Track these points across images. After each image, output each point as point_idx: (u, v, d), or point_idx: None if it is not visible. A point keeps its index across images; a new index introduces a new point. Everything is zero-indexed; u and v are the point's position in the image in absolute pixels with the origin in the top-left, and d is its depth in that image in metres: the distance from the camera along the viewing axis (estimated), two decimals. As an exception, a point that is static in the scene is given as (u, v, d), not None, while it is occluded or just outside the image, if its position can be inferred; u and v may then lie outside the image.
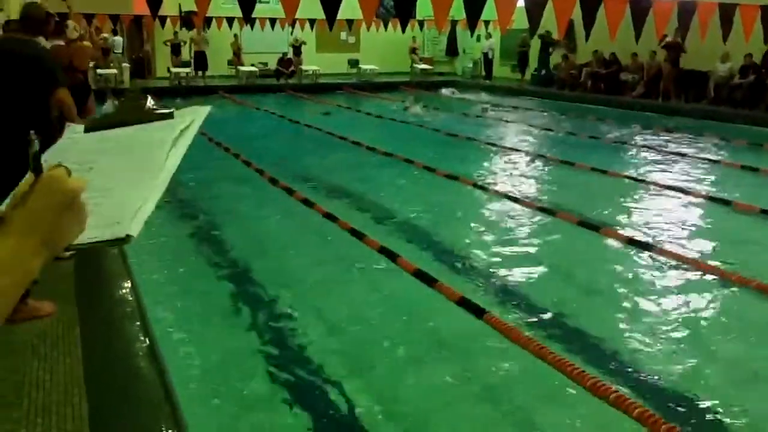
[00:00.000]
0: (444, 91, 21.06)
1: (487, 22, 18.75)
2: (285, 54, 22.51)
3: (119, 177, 0.99)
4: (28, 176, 0.87)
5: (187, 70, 20.80)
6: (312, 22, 18.53)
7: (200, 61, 20.87)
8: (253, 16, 15.48)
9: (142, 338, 3.30)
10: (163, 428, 2.57)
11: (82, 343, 3.28)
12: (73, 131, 1.25)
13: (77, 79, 6.81)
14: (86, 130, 1.24)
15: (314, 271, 5.26)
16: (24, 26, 4.93)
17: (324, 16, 9.42)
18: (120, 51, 19.76)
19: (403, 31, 11.81)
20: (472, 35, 21.44)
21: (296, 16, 13.99)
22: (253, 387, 3.47)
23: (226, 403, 3.33)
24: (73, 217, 0.85)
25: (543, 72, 20.43)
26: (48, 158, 0.97)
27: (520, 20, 10.62)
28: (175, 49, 21.22)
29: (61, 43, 6.95)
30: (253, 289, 4.89)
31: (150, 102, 1.34)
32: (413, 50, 24.90)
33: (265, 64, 22.89)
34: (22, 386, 2.86)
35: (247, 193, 7.89)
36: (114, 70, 19.46)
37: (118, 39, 19.77)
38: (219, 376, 3.57)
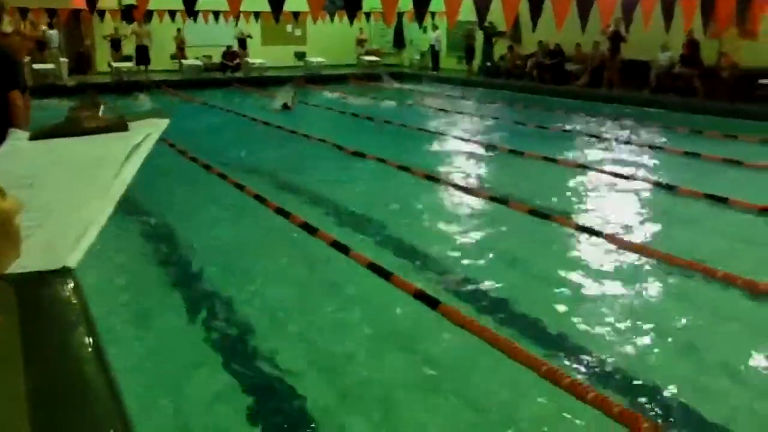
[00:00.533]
0: (384, 77, 21.36)
1: (433, 14, 18.77)
2: (230, 47, 22.18)
3: (62, 195, 0.91)
4: None
5: (129, 64, 20.29)
6: (257, 14, 18.27)
7: (142, 55, 20.38)
8: (196, 8, 15.19)
9: (88, 343, 3.17)
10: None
11: (23, 352, 3.12)
12: (17, 137, 1.15)
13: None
14: (31, 138, 1.15)
15: (263, 264, 5.19)
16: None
17: (269, 9, 9.29)
18: (56, 45, 19.09)
19: (351, 23, 11.73)
20: (420, 27, 21.45)
21: (241, 9, 13.79)
22: (204, 387, 3.38)
23: (178, 405, 3.23)
24: (5, 242, 0.78)
25: (488, 63, 20.60)
26: None
27: (466, 12, 10.68)
28: (115, 43, 20.67)
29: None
30: (201, 287, 4.77)
31: (102, 109, 1.26)
32: (360, 42, 24.82)
33: (210, 57, 22.52)
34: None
35: (195, 189, 7.71)
36: (51, 65, 18.83)
37: (54, 33, 19.11)
38: (169, 378, 3.47)
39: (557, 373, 3.30)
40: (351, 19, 12.55)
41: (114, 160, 0.95)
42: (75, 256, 0.79)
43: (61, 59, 19.48)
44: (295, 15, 17.60)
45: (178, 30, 21.24)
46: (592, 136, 11.19)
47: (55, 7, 16.99)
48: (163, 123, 1.16)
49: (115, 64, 20.13)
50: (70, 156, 1.03)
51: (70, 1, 18.22)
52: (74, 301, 3.57)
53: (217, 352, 3.80)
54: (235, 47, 22.42)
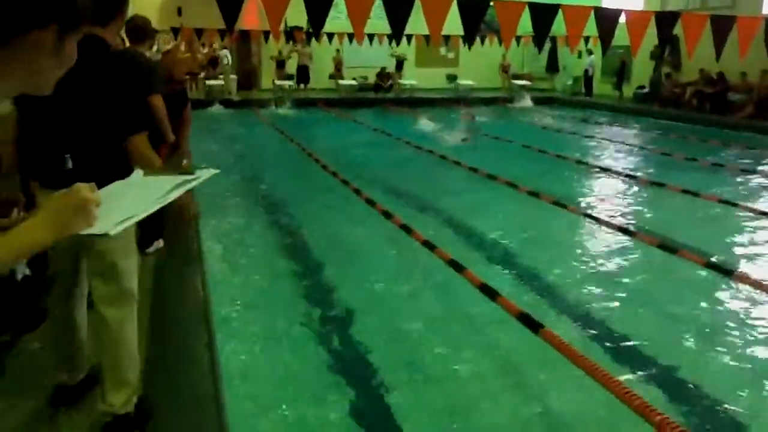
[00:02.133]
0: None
1: (587, 39, 18.41)
2: (384, 68, 22.96)
3: (130, 199, 1.34)
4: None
5: (290, 83, 21.58)
6: (409, 37, 18.82)
7: (302, 74, 21.63)
8: (352, 32, 15.90)
9: (203, 335, 3.56)
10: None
11: (148, 332, 3.57)
12: (138, 173, 1.62)
13: (175, 88, 7.31)
14: (144, 174, 1.62)
15: (385, 277, 5.40)
16: (132, 36, 5.36)
17: (425, 32, 9.44)
18: (227, 63, 20.76)
19: (507, 48, 11.46)
20: (572, 52, 21.01)
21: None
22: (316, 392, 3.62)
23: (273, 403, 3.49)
24: (81, 216, 1.21)
25: (648, 89, 19.80)
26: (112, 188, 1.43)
27: (620, 37, 10.31)
28: (280, 62, 22.10)
29: (156, 55, 7.44)
30: (327, 296, 5.00)
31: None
32: (504, 67, 24.70)
33: (365, 78, 23.44)
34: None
35: (330, 202, 8.13)
36: (221, 81, 20.51)
37: (225, 52, 20.80)
38: (273, 369, 3.77)
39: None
40: (507, 43, 11.73)
41: (168, 189, 1.43)
42: (115, 229, 1.19)
43: (231, 76, 21.14)
44: (446, 38, 17.93)
45: (337, 51, 22.33)
46: (746, 171, 10.48)
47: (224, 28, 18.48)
48: (211, 173, 1.68)
49: (277, 82, 21.51)
50: (148, 183, 1.54)
51: (240, 22, 19.76)
52: (200, 293, 4.02)
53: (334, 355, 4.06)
54: (392, 69, 23.20)
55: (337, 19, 13.68)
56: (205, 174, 1.58)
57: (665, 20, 9.50)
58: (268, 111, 18.37)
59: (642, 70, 19.95)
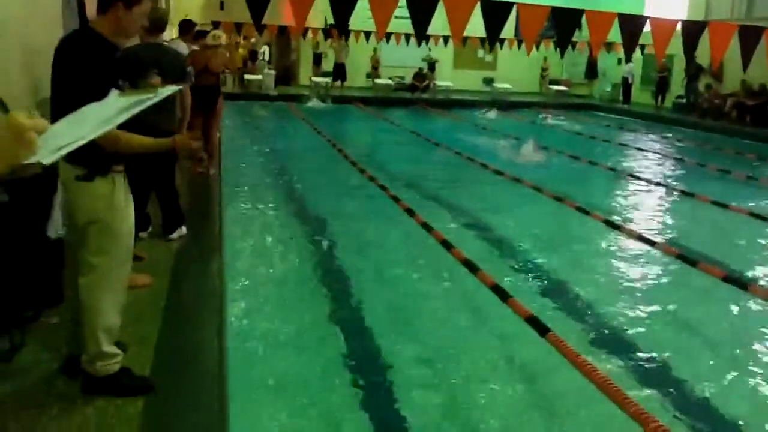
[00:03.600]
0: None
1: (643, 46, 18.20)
2: (421, 69, 22.99)
3: (83, 124, 1.30)
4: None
5: (327, 80, 21.75)
6: (446, 38, 18.82)
7: (339, 71, 21.78)
8: (390, 31, 15.99)
9: (213, 323, 3.68)
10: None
11: (163, 314, 3.70)
12: (114, 92, 1.63)
13: (210, 80, 7.49)
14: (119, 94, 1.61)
15: (406, 276, 5.46)
16: (148, 28, 5.50)
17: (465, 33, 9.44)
18: (266, 58, 21.04)
19: (562, 55, 11.22)
20: (627, 61, 20.62)
21: (432, 33, 14.32)
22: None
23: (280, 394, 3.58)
24: (21, 144, 1.15)
25: (688, 100, 19.48)
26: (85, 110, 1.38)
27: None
28: (317, 59, 22.29)
29: (197, 48, 7.62)
30: (344, 294, 5.06)
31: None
32: (543, 71, 24.56)
33: (402, 78, 23.50)
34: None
35: (359, 200, 8.24)
36: (259, 76, 20.79)
37: (265, 47, 21.07)
38: (278, 361, 3.86)
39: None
40: (563, 49, 11.14)
41: (117, 107, 1.38)
42: (49, 158, 1.17)
43: (268, 71, 21.39)
44: (482, 40, 17.90)
45: (374, 50, 22.44)
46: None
47: (266, 23, 18.66)
48: (172, 89, 1.63)
49: (314, 79, 21.71)
50: (108, 106, 1.47)
51: (280, 18, 19.99)
52: (216, 282, 4.13)
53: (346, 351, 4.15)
54: (426, 70, 23.22)
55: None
56: (165, 92, 1.59)
57: (694, 30, 9.40)
58: (302, 106, 18.51)
59: (682, 79, 19.66)
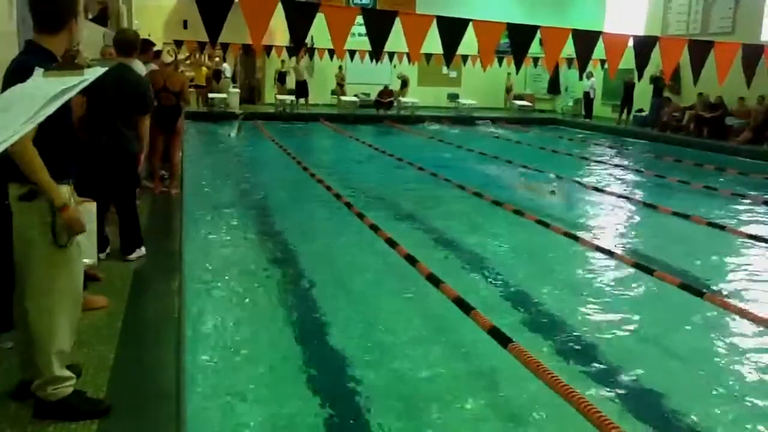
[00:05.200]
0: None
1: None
2: (387, 86, 23.11)
3: (8, 116, 1.23)
4: None
5: (291, 97, 21.77)
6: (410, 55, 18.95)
7: (301, 89, 21.83)
8: (353, 48, 16.05)
9: (172, 344, 3.62)
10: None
11: (119, 335, 3.64)
12: (38, 73, 1.54)
13: (170, 99, 7.43)
14: (44, 74, 1.53)
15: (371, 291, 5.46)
16: (118, 49, 5.50)
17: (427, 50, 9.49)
18: (229, 76, 21.00)
19: (517, 71, 11.32)
20: (581, 78, 20.99)
21: (396, 50, 14.44)
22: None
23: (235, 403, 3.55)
24: None
25: (648, 114, 19.85)
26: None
27: (625, 60, 10.30)
28: (281, 77, 22.32)
29: (156, 67, 7.56)
30: (309, 310, 5.04)
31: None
32: (508, 89, 24.91)
33: (368, 95, 23.61)
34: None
35: (322, 215, 8.22)
36: (224, 95, 20.71)
37: (226, 66, 21.05)
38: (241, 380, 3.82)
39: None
40: (518, 64, 11.13)
41: (45, 96, 1.29)
42: None
43: (233, 89, 21.33)
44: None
45: (340, 68, 22.53)
46: (738, 195, 10.52)
47: (228, 42, 18.59)
48: (99, 71, 1.53)
49: (279, 97, 21.71)
50: (34, 89, 1.38)
51: (243, 36, 19.99)
52: (174, 301, 4.07)
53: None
54: (397, 87, 23.35)
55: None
56: (91, 74, 1.49)
57: (645, 45, 9.67)
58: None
59: (641, 93, 20.03)
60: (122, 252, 5.14)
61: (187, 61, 18.99)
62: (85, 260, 3.90)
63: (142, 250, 5.23)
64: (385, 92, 23.02)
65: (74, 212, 2.74)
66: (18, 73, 2.42)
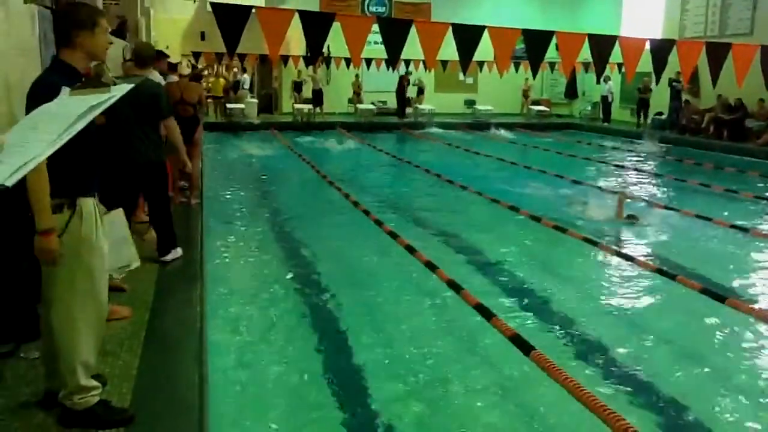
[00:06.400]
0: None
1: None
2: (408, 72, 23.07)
3: (37, 135, 1.25)
4: None
5: (308, 106, 21.89)
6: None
7: (317, 98, 21.96)
8: (370, 57, 16.11)
9: (194, 353, 3.66)
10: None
11: (143, 344, 3.68)
12: (65, 91, 1.56)
13: (187, 111, 7.51)
14: (71, 93, 1.56)
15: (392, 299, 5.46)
16: (136, 62, 5.61)
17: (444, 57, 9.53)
18: (247, 87, 21.15)
19: (534, 76, 11.26)
20: (598, 82, 20.86)
21: (412, 57, 14.45)
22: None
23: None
24: None
25: (667, 117, 19.68)
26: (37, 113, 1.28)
27: (642, 64, 10.24)
28: (298, 86, 22.46)
29: (175, 78, 7.65)
30: (328, 316, 5.11)
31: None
32: (525, 93, 24.86)
33: (385, 102, 23.68)
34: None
35: (341, 222, 8.25)
36: (242, 105, 20.88)
37: (245, 77, 21.20)
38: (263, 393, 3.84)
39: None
40: (534, 71, 11.29)
41: (72, 114, 1.31)
42: (12, 179, 1.11)
43: (250, 99, 21.49)
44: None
45: (356, 76, 22.62)
46: (760, 198, 10.40)
47: (245, 53, 18.76)
48: (126, 88, 1.53)
49: (296, 106, 21.85)
50: (61, 107, 1.40)
51: (260, 47, 20.16)
52: (197, 310, 4.11)
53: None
54: (414, 95, 23.40)
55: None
56: (118, 91, 1.50)
57: (662, 48, 9.62)
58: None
59: (660, 96, 19.88)
60: (159, 254, 5.24)
61: (205, 72, 19.18)
62: (130, 265, 3.98)
63: (178, 251, 5.33)
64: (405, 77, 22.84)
65: (50, 243, 2.64)
66: (43, 91, 2.46)
